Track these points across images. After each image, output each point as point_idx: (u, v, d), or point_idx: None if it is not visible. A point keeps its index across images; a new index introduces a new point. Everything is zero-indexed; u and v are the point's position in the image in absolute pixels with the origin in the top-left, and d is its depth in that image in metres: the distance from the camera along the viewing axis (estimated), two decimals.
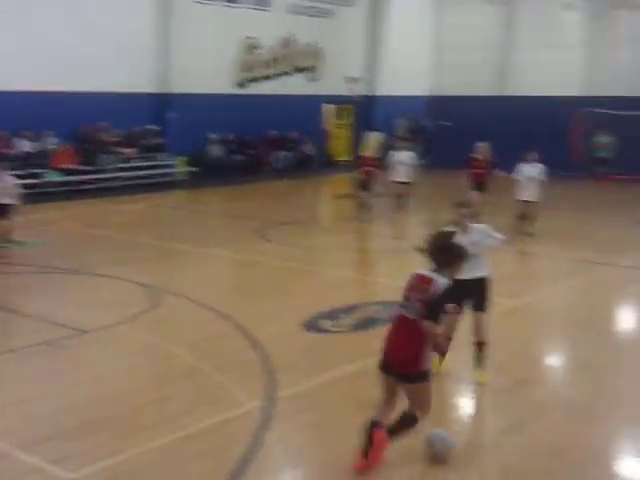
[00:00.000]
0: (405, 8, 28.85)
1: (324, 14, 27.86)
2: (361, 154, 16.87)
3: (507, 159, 18.28)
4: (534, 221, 14.76)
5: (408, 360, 5.45)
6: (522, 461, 5.85)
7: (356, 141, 29.61)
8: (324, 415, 6.70)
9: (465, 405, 7.19)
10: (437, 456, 5.74)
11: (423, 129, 31.03)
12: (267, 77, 26.50)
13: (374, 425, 5.52)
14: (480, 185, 15.30)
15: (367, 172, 16.55)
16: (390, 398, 5.68)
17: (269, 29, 26.04)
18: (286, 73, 27.09)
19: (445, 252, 5.60)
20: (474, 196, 7.44)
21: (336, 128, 29.99)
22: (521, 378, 7.56)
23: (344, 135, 30.03)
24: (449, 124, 27.59)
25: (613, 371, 7.89)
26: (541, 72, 26.63)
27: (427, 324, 5.35)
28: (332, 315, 9.47)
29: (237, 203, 20.26)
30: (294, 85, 27.01)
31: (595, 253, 13.51)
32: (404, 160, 16.87)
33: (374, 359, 7.95)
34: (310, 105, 27.07)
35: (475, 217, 6.84)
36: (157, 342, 8.66)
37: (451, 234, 5.88)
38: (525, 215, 14.69)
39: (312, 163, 27.19)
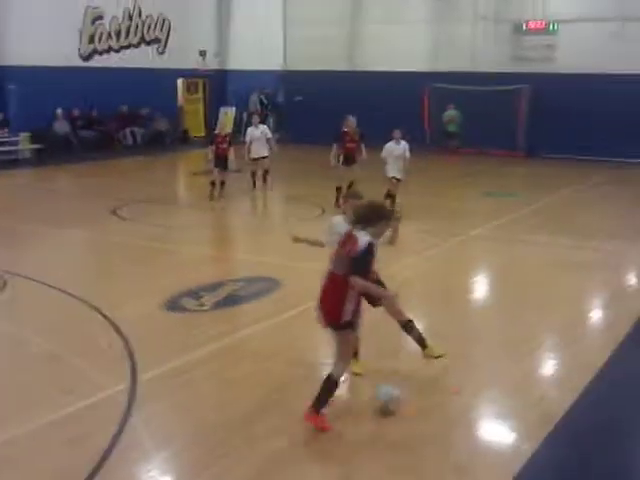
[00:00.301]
0: None
1: None
2: (214, 132, 16.37)
3: (365, 132, 18.64)
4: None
5: (332, 311, 5.94)
6: (385, 427, 6.01)
7: (210, 116, 29.31)
8: (190, 395, 6.62)
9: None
10: (386, 409, 6.22)
11: (276, 104, 31.07)
12: (113, 50, 25.57)
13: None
14: (349, 159, 15.28)
15: (220, 150, 15.99)
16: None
17: None
18: (133, 45, 26.26)
19: (370, 212, 5.91)
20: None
21: (188, 103, 29.49)
22: (384, 348, 7.72)
23: (197, 110, 29.57)
24: (301, 99, 27.73)
25: (469, 339, 8.21)
26: (390, 47, 27.19)
27: (354, 280, 5.71)
28: (194, 294, 9.33)
29: (88, 181, 19.53)
30: (142, 58, 26.22)
31: (446, 224, 14.02)
32: (260, 135, 16.76)
33: (238, 336, 8.02)
34: (161, 79, 26.40)
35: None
36: (7, 328, 8.24)
37: (378, 202, 6.31)
38: (392, 193, 14.88)
39: (166, 139, 26.61)
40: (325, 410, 5.98)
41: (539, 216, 14.92)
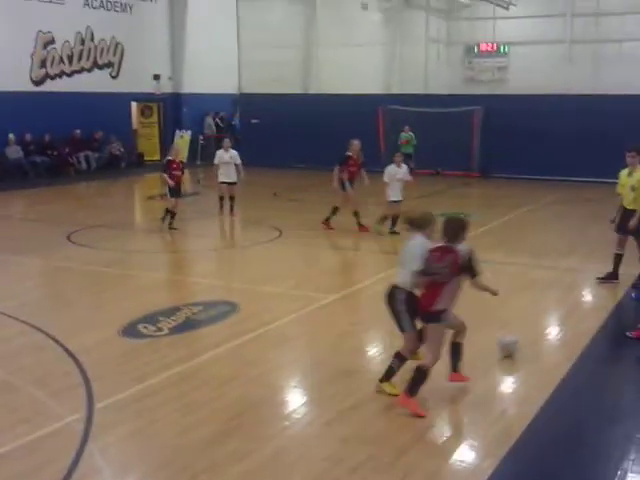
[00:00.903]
0: (207, 4, 28.66)
1: (123, 9, 27.05)
2: (168, 158, 15.68)
3: (317, 157, 18.79)
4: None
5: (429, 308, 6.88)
6: (344, 450, 5.98)
7: (164, 140, 29.18)
8: (147, 422, 6.52)
9: (290, 400, 7.23)
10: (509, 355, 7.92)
11: (232, 127, 31.09)
12: (65, 74, 25.34)
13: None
14: (352, 183, 15.35)
15: (175, 177, 15.29)
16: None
17: (64, 23, 24.82)
18: (86, 70, 26.07)
19: (458, 229, 7.07)
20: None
21: (143, 127, 29.34)
22: (344, 368, 7.73)
23: (152, 134, 29.42)
24: (257, 121, 27.79)
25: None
26: (344, 70, 27.45)
27: (475, 281, 7.07)
28: (151, 319, 9.22)
29: (43, 207, 19.24)
30: (95, 82, 26.02)
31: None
32: (229, 160, 16.67)
33: (197, 361, 7.95)
34: (115, 103, 26.23)
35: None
36: None
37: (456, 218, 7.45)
38: (397, 216, 14.95)
39: (120, 163, 26.40)
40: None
41: (494, 236, 15.09)
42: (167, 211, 15.41)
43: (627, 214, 10.81)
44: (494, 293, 7.27)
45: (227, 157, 16.75)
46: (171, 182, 15.06)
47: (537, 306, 10.35)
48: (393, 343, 8.69)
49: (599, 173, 20.50)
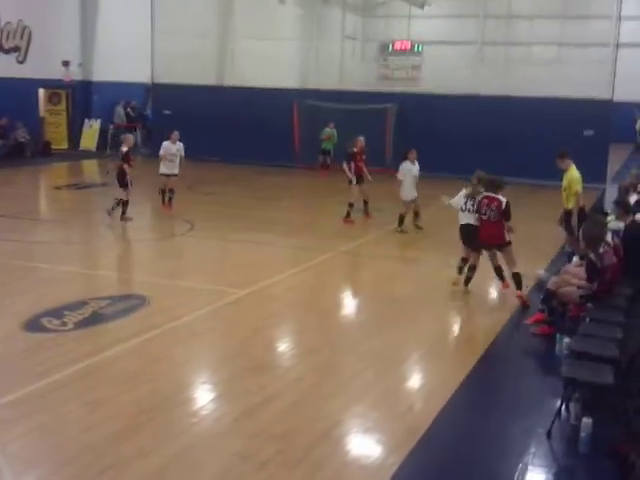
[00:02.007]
0: None
1: None
2: (126, 149, 15.05)
3: (231, 150, 18.61)
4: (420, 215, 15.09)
5: (499, 237, 10.21)
6: (253, 446, 5.95)
7: (73, 128, 28.40)
8: (52, 418, 6.34)
9: (199, 395, 7.14)
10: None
11: (144, 117, 30.50)
12: None
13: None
14: (360, 178, 15.71)
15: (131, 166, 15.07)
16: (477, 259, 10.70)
17: None
18: None
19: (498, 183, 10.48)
20: None
21: (51, 115, 28.45)
22: (254, 363, 7.69)
23: (60, 122, 28.56)
24: (169, 113, 27.32)
25: (340, 353, 8.30)
26: (260, 63, 27.24)
27: (509, 223, 10.16)
28: (56, 313, 8.96)
29: None
30: (1, 67, 25.06)
31: (317, 240, 14.13)
32: (176, 152, 16.29)
33: (103, 356, 7.76)
34: (21, 89, 25.33)
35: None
36: None
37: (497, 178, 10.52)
38: (416, 211, 14.96)
39: (26, 151, 25.53)
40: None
41: (407, 233, 15.27)
42: (120, 202, 14.86)
43: (564, 213, 11.78)
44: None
45: (174, 149, 16.35)
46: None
47: (446, 304, 10.52)
48: (303, 339, 8.74)
49: (509, 172, 21.01)
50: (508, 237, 10.17)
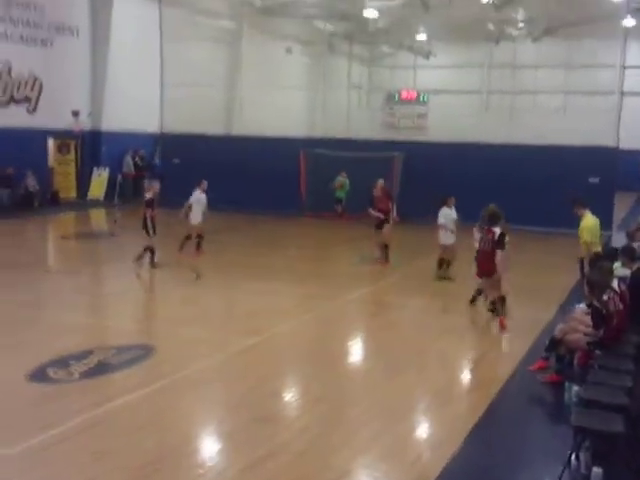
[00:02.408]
0: (130, 41, 28.44)
1: (43, 43, 26.63)
2: (151, 196, 15.24)
3: (239, 199, 18.72)
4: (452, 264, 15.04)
5: (489, 268, 11.17)
6: None
7: (82, 178, 28.62)
8: (55, 471, 6.29)
9: (204, 447, 7.07)
10: None
11: (152, 166, 30.74)
12: None
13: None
14: (381, 222, 16.36)
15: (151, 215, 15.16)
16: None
17: None
18: (1, 104, 25.45)
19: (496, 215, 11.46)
20: None
21: (60, 164, 28.71)
22: (260, 413, 7.63)
23: (69, 171, 28.81)
24: (177, 161, 27.56)
25: (347, 402, 8.23)
26: (267, 113, 27.56)
27: (499, 252, 11.06)
28: (62, 363, 8.93)
29: None
30: (12, 117, 25.40)
31: (324, 289, 14.12)
32: (205, 201, 16.76)
33: (109, 407, 7.71)
34: (31, 139, 25.63)
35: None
36: None
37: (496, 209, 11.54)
38: (446, 259, 14.92)
39: (35, 201, 25.71)
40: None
41: (413, 280, 15.26)
42: (147, 249, 15.02)
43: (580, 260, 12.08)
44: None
45: (203, 198, 16.78)
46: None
47: (452, 351, 10.45)
48: (309, 388, 8.67)
49: (515, 220, 21.05)
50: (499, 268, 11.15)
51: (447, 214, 14.87)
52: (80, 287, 14.38)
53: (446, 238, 14.79)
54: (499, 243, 11.09)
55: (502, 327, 11.05)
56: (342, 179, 24.30)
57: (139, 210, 15.55)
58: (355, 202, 23.80)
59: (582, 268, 11.58)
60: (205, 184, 17.06)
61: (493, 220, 11.29)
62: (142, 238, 15.19)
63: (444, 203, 14.94)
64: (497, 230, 11.17)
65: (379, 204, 16.52)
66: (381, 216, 16.33)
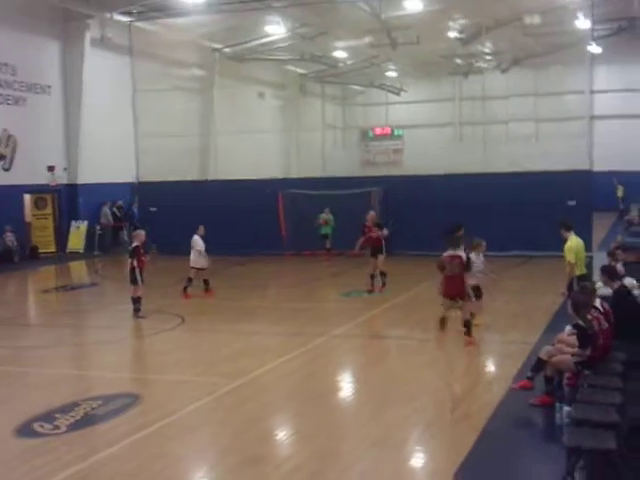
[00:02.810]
0: (102, 96, 28.59)
1: (16, 102, 26.69)
2: (137, 244, 15.07)
3: (218, 242, 18.74)
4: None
5: (461, 291, 11.93)
6: None
7: (60, 231, 28.51)
8: None
9: None
10: None
11: (130, 215, 30.70)
12: None
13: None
14: (375, 248, 17.14)
15: (143, 262, 15.11)
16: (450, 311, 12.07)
17: None
18: None
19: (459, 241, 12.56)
20: None
21: (37, 219, 28.61)
22: (250, 455, 7.52)
23: (47, 225, 28.70)
24: (155, 210, 27.53)
25: (339, 437, 8.14)
26: (242, 157, 27.68)
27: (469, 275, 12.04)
28: (48, 417, 8.78)
29: None
30: None
31: (309, 326, 14.06)
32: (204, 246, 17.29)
33: (96, 459, 7.57)
34: (7, 195, 25.56)
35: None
36: None
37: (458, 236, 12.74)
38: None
39: (14, 257, 25.55)
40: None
41: (398, 311, 15.24)
42: (136, 299, 14.94)
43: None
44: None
45: (201, 242, 17.27)
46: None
47: (441, 379, 10.40)
48: (299, 427, 8.57)
49: (496, 246, 21.17)
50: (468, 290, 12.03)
51: (473, 259, 14.52)
52: (62, 339, 14.21)
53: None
54: (467, 266, 11.98)
55: (470, 344, 11.73)
56: (325, 216, 24.32)
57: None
58: (338, 238, 23.90)
59: (570, 288, 11.56)
60: (202, 229, 17.50)
61: (456, 245, 12.18)
62: (127, 289, 15.07)
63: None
64: (463, 254, 12.04)
65: (370, 233, 17.37)
66: (357, 250, 17.70)
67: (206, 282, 17.45)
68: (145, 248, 15.68)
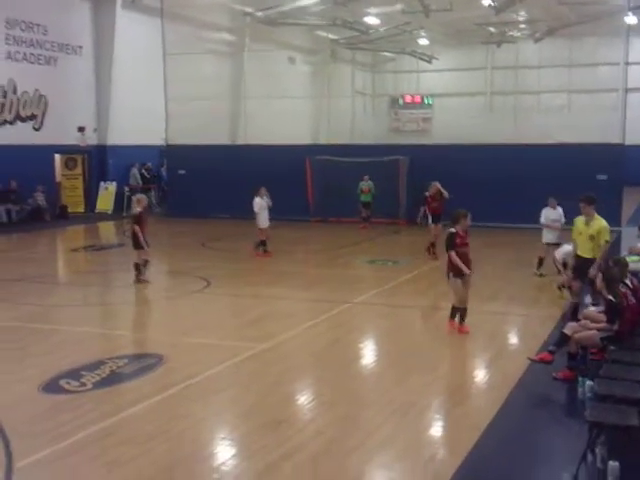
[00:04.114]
0: (133, 57, 28.60)
1: (47, 61, 26.81)
2: (140, 210, 14.88)
3: (244, 206, 18.81)
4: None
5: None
6: None
7: (89, 192, 28.78)
8: None
9: (219, 452, 7.05)
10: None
11: (159, 178, 30.89)
12: None
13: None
14: (436, 216, 17.56)
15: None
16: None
17: None
18: (8, 122, 25.63)
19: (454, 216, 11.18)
20: None
21: (67, 179, 28.88)
22: (272, 419, 7.61)
23: (77, 186, 28.97)
24: (183, 173, 27.67)
25: (360, 404, 8.20)
26: (271, 122, 27.60)
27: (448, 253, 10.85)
28: (74, 374, 8.94)
29: None
30: (18, 135, 25.57)
31: (333, 292, 14.11)
32: (266, 206, 17.78)
33: (121, 416, 7.70)
34: (38, 156, 25.78)
35: None
36: None
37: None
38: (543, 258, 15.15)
39: (44, 216, 25.86)
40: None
41: (420, 282, 15.24)
42: (138, 265, 14.75)
43: (581, 261, 10.70)
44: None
45: (264, 203, 17.78)
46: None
47: (464, 350, 10.43)
48: (321, 392, 8.65)
49: (519, 219, 21.06)
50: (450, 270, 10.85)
51: (547, 215, 15.21)
52: (90, 298, 14.43)
53: (544, 237, 15.22)
54: (446, 243, 10.96)
55: (456, 330, 10.97)
56: (365, 183, 23.92)
57: (148, 221, 15.57)
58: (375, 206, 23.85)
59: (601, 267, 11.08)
60: (263, 190, 17.94)
61: (453, 221, 11.13)
62: (151, 251, 15.16)
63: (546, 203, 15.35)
64: (452, 230, 10.97)
65: (433, 203, 17.78)
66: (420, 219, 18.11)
67: (263, 243, 17.95)
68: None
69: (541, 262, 15.18)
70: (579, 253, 10.85)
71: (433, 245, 17.45)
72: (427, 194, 17.99)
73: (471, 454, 6.69)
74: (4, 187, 24.90)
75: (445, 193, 17.69)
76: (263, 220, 17.87)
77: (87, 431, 7.26)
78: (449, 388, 8.71)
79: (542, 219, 15.18)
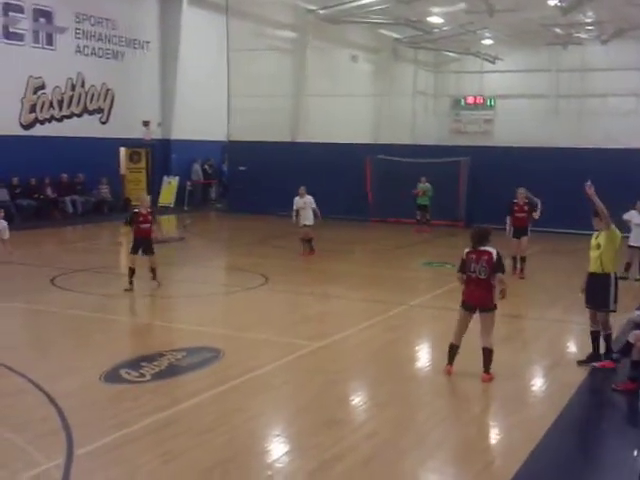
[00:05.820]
0: (198, 54, 29.00)
1: (114, 56, 27.37)
2: (134, 210, 14.32)
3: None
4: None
5: (486, 300, 8.83)
6: None
7: (152, 185, 29.27)
8: (127, 470, 6.40)
9: (273, 448, 7.13)
10: None
11: (220, 174, 31.25)
12: (55, 119, 25.51)
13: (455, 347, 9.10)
14: (521, 229, 15.74)
15: (142, 230, 13.96)
16: (464, 328, 9.05)
17: (55, 69, 25.13)
18: (76, 115, 26.25)
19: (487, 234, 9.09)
20: None
21: (131, 172, 29.44)
22: (327, 417, 7.65)
23: (140, 179, 29.51)
24: (244, 169, 27.93)
25: (414, 407, 8.20)
26: (333, 120, 27.67)
27: (500, 276, 8.82)
28: (134, 365, 9.13)
29: (27, 250, 19.08)
30: (85, 127, 26.18)
31: (390, 293, 14.10)
32: (304, 205, 17.85)
33: (178, 408, 7.84)
34: (103, 148, 26.36)
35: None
36: None
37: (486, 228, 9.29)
38: (631, 261, 15.04)
39: (108, 207, 26.42)
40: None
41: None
42: (131, 270, 13.83)
43: (591, 281, 9.69)
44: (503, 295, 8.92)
45: (301, 203, 17.87)
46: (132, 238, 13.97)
47: (520, 357, 10.31)
48: (376, 393, 8.66)
49: (581, 225, 20.63)
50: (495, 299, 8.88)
51: (632, 215, 15.13)
52: (151, 290, 14.66)
53: (631, 240, 14.95)
54: (498, 265, 8.84)
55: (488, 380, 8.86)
56: (422, 185, 23.28)
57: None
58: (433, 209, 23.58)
59: None
60: (303, 189, 18.07)
61: (484, 240, 9.05)
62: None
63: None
64: (493, 250, 8.92)
65: (519, 213, 15.83)
66: (507, 228, 15.69)
67: (308, 241, 18.01)
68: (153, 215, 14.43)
69: (628, 266, 14.84)
70: (589, 271, 9.81)
71: (514, 259, 15.72)
72: (514, 200, 15.93)
73: (526, 464, 6.62)
74: (71, 178, 25.50)
75: (535, 214, 15.94)
76: (302, 219, 17.88)
77: (145, 421, 7.40)
78: (504, 395, 8.63)
79: (625, 216, 14.88)
